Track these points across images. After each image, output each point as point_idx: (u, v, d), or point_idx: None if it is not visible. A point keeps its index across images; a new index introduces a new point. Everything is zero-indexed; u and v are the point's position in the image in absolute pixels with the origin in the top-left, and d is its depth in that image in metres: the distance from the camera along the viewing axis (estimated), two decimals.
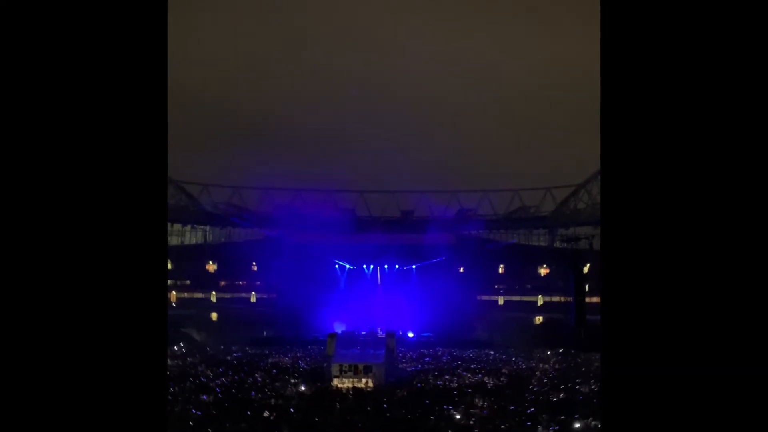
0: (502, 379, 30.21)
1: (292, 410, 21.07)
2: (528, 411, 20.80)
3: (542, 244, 65.73)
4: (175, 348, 43.78)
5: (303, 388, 26.85)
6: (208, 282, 62.94)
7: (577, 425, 17.90)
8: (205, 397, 23.25)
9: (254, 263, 62.21)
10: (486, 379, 30.26)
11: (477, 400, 23.13)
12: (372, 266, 60.79)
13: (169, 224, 62.21)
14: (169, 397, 22.47)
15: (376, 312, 56.48)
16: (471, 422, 19.31)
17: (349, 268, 60.70)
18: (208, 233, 66.96)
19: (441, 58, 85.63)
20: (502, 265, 64.19)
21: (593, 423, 17.86)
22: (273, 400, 23.24)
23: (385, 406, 22.10)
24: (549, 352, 43.98)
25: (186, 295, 61.61)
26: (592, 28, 5.67)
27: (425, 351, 44.77)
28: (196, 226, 65.66)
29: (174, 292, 60.86)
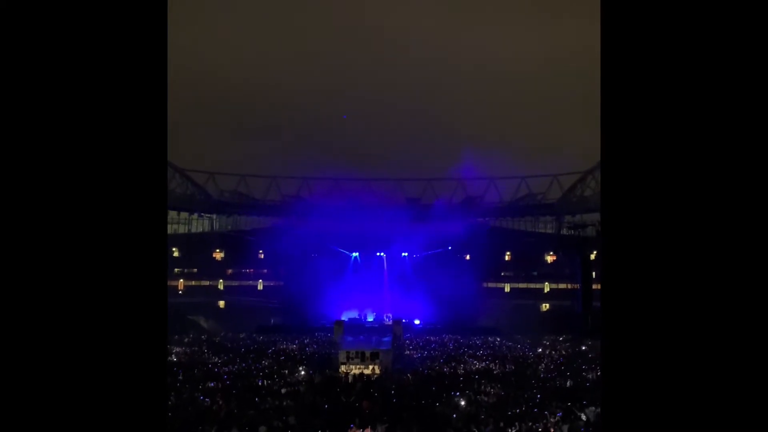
0: (508, 365, 30.26)
1: (300, 397, 21.20)
2: (536, 397, 20.85)
3: (549, 231, 65.65)
4: (183, 335, 44.13)
5: (311, 374, 27.00)
6: (215, 270, 63.25)
7: (584, 411, 17.94)
8: (212, 384, 23.41)
9: (261, 251, 62.39)
10: (493, 365, 30.33)
11: (484, 387, 23.21)
12: (379, 254, 60.88)
13: (175, 213, 62.47)
14: (177, 384, 22.66)
15: (383, 299, 56.66)
16: (477, 409, 19.38)
17: (355, 256, 60.81)
18: (214, 221, 67.22)
19: (448, 45, 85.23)
20: (508, 252, 64.17)
21: (600, 409, 17.90)
22: (281, 387, 23.38)
23: (392, 392, 22.20)
24: (556, 339, 44.05)
25: (193, 282, 61.98)
26: (599, 16, 5.62)
27: (432, 338, 44.90)
28: (203, 214, 65.87)
29: (181, 280, 61.22)
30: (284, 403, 19.79)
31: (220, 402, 19.79)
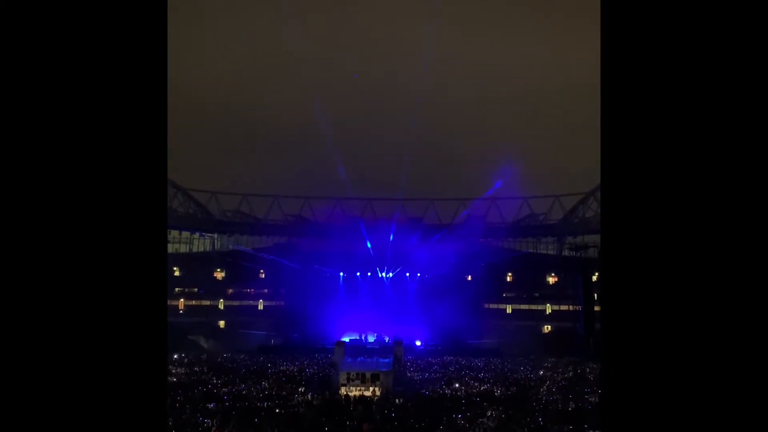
0: (510, 388, 30.00)
1: (300, 419, 21.00)
2: (538, 421, 20.64)
3: (551, 252, 65.53)
4: (183, 355, 43.85)
5: (311, 396, 26.77)
6: (215, 289, 63.07)
7: None
8: (212, 405, 23.21)
9: (262, 271, 62.28)
10: (495, 388, 30.07)
11: (485, 410, 22.98)
12: (380, 274, 60.74)
13: (177, 232, 62.51)
14: (177, 405, 22.46)
15: (383, 320, 56.34)
16: (479, 431, 19.18)
17: (356, 276, 60.64)
18: (216, 241, 67.22)
19: (448, 65, 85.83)
20: (510, 274, 63.96)
21: None
22: (280, 409, 23.18)
23: (393, 414, 21.99)
24: (558, 361, 43.71)
25: (194, 302, 61.76)
26: (599, 37, 5.65)
27: (433, 359, 44.57)
28: (204, 233, 65.92)
29: (182, 299, 61.03)
30: (284, 426, 19.60)
31: (219, 423, 19.61)
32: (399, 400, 25.74)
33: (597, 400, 25.63)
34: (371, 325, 55.81)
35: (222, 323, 61.01)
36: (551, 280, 63.22)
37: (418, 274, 60.35)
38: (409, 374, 36.21)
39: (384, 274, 60.75)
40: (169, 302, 57.93)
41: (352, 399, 26.61)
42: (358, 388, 28.99)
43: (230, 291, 63.55)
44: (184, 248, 64.64)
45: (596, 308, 42.97)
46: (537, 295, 62.89)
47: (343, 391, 28.63)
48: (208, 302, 62.25)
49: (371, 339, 54.45)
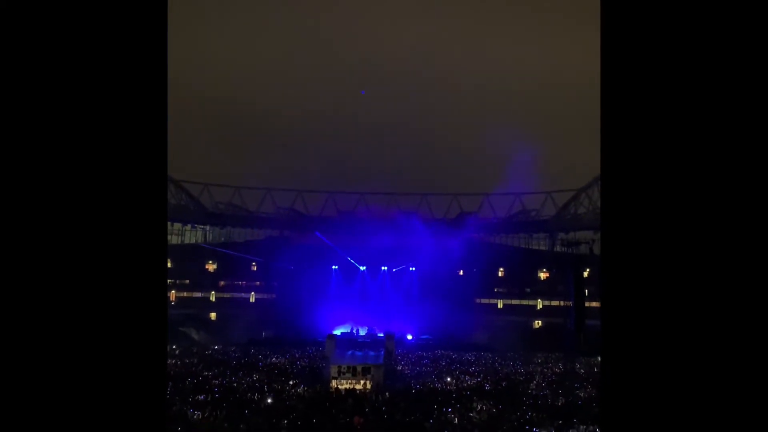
0: (500, 382, 30.15)
1: (290, 412, 21.03)
2: (527, 415, 20.76)
3: (542, 248, 65.70)
4: (174, 347, 43.77)
5: (301, 389, 26.81)
6: (207, 281, 62.91)
7: (577, 430, 17.87)
8: (202, 397, 23.22)
9: (254, 263, 62.16)
10: (485, 382, 30.21)
11: (476, 404, 23.10)
12: (372, 268, 60.75)
13: (169, 223, 62.16)
14: (167, 397, 22.45)
15: (375, 314, 56.38)
16: (469, 425, 19.27)
17: (348, 270, 60.64)
18: (208, 233, 66.98)
19: (443, 63, 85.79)
20: (501, 269, 64.13)
21: (591, 428, 17.85)
22: (271, 402, 23.20)
23: (383, 408, 22.06)
24: (548, 356, 43.93)
25: (185, 294, 61.59)
26: (594, 33, 5.66)
27: (424, 353, 44.68)
28: (196, 225, 65.66)
29: (173, 291, 60.87)
30: (274, 419, 19.63)
31: (207, 415, 19.62)
32: (388, 394, 25.81)
33: (586, 395, 25.80)
34: (363, 318, 55.83)
35: (213, 315, 60.90)
36: (542, 275, 63.44)
37: (411, 269, 60.39)
38: (400, 368, 36.31)
39: (375, 269, 60.76)
40: None
41: (343, 392, 26.68)
42: (349, 381, 29.05)
43: (222, 283, 63.41)
44: (175, 240, 64.38)
45: (587, 304, 43.23)
46: (528, 290, 63.13)
47: (334, 384, 28.68)
48: (199, 294, 62.12)
49: (362, 332, 54.48)
